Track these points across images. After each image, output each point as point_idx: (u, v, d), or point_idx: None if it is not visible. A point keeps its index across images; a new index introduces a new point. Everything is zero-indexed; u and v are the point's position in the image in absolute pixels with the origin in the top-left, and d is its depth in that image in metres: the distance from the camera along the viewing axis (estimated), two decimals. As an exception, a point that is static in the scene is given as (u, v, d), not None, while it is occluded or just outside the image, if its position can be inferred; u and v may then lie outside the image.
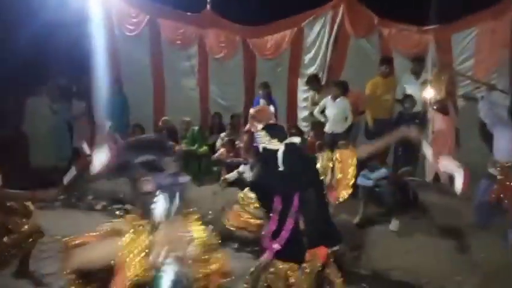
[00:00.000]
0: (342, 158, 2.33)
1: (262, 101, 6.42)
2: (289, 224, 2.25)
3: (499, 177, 3.92)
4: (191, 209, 1.76)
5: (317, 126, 6.27)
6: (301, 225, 2.29)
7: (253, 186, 2.53)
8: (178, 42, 7.94)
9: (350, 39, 6.74)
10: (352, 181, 2.32)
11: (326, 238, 2.38)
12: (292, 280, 2.30)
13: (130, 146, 1.87)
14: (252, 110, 2.67)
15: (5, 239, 3.23)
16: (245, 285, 2.41)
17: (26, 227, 3.41)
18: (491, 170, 4.01)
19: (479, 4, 5.83)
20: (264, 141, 2.36)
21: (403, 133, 2.62)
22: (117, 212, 5.54)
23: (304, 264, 2.31)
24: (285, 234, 2.25)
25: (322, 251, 2.36)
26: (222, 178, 5.90)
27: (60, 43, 6.54)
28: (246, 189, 2.61)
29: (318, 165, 2.35)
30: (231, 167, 6.01)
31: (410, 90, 5.77)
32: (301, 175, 2.30)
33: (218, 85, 8.07)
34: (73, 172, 4.49)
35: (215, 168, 6.50)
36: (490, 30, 5.72)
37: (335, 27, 6.74)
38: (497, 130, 4.11)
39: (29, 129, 6.74)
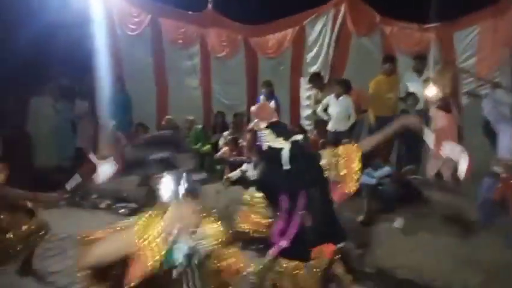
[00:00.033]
0: (346, 153, 2.33)
1: (262, 98, 6.44)
2: (295, 221, 2.25)
3: (502, 175, 3.92)
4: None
5: (320, 124, 6.29)
6: (307, 223, 2.28)
7: (260, 185, 2.53)
8: (180, 41, 7.95)
9: (352, 37, 6.74)
10: (358, 175, 2.31)
11: (332, 235, 2.38)
12: (298, 278, 2.30)
13: (145, 142, 1.86)
14: (253, 108, 2.65)
15: (10, 235, 3.24)
16: (251, 278, 2.39)
17: (31, 223, 3.42)
18: (495, 168, 4.02)
19: (480, 2, 5.83)
20: (269, 139, 2.35)
21: (404, 122, 2.61)
22: (121, 211, 5.60)
23: (310, 262, 2.31)
24: (292, 230, 2.25)
25: (328, 249, 2.36)
26: (225, 177, 5.90)
27: (62, 43, 6.54)
28: (252, 189, 2.59)
29: (323, 162, 2.34)
30: (234, 166, 6.02)
31: (413, 88, 5.78)
32: (307, 173, 2.29)
33: (220, 84, 8.08)
34: (77, 179, 4.53)
35: (218, 167, 6.51)
36: (492, 28, 5.72)
37: (337, 25, 6.75)
38: (501, 128, 4.12)
39: (32, 129, 6.76)
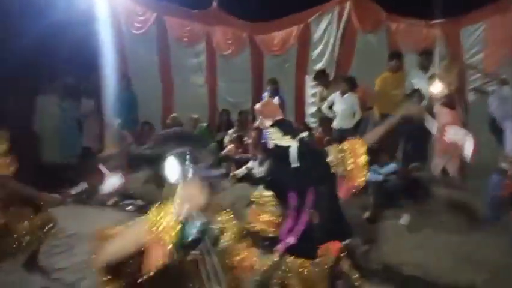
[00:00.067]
0: (352, 148, 2.31)
1: (266, 95, 6.44)
2: (303, 218, 2.25)
3: (510, 172, 3.90)
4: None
5: (325, 122, 6.28)
6: (315, 220, 2.27)
7: (268, 183, 2.52)
8: (185, 39, 7.97)
9: (357, 34, 6.72)
10: (365, 168, 2.29)
11: (338, 232, 2.37)
12: (305, 275, 2.30)
13: (165, 137, 1.87)
14: (257, 105, 2.64)
15: (17, 228, 3.26)
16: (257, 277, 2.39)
17: (38, 217, 3.44)
18: (502, 165, 3.99)
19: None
20: (276, 138, 2.34)
21: (405, 111, 2.59)
22: (128, 208, 5.63)
23: (317, 260, 2.30)
24: (300, 227, 2.25)
25: (334, 246, 2.35)
26: (231, 174, 5.91)
27: (68, 42, 6.56)
28: (260, 188, 2.58)
29: (329, 159, 2.33)
30: (240, 163, 6.03)
31: (418, 84, 5.75)
32: (315, 170, 2.29)
33: (226, 82, 8.10)
34: (83, 186, 4.58)
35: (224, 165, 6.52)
36: (499, 24, 5.69)
37: (342, 22, 6.73)
38: (508, 125, 4.10)
39: (38, 128, 6.80)
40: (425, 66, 5.78)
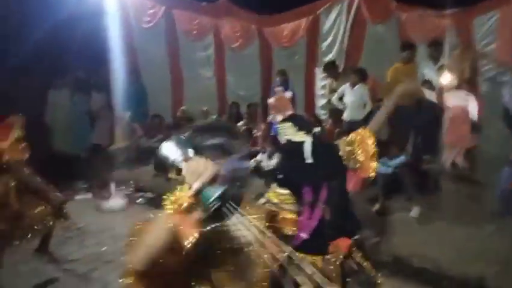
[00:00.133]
0: (360, 139, 2.29)
1: (278, 89, 6.42)
2: (316, 214, 2.24)
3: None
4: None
5: (335, 113, 6.24)
6: (327, 216, 2.26)
7: (281, 181, 2.49)
8: (194, 32, 7.97)
9: (367, 25, 6.65)
10: (375, 160, 2.27)
11: (348, 228, 2.36)
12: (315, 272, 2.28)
13: (198, 129, 1.88)
14: (271, 100, 2.62)
15: (32, 212, 3.34)
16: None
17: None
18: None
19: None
20: (289, 133, 2.31)
21: (402, 90, 2.55)
22: (138, 200, 5.69)
23: (327, 256, 2.29)
24: (312, 223, 2.23)
25: (344, 243, 2.34)
26: (240, 167, 5.91)
27: (77, 36, 6.60)
28: (274, 186, 2.52)
29: (341, 153, 2.31)
30: (249, 156, 6.04)
31: (429, 75, 5.67)
32: (329, 165, 2.26)
33: (234, 75, 8.09)
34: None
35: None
36: (511, 14, 5.57)
37: (352, 13, 6.66)
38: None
39: (50, 121, 6.88)
40: (435, 57, 5.70)
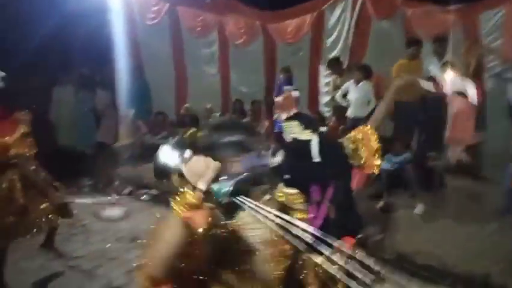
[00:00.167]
0: (362, 136, 2.28)
1: (289, 88, 6.38)
2: (322, 212, 2.23)
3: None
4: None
5: (339, 110, 6.21)
6: (331, 215, 2.25)
7: (289, 181, 2.47)
8: (198, 29, 7.96)
9: (372, 21, 6.61)
10: (379, 156, 2.25)
11: (351, 227, 2.35)
12: (321, 272, 2.28)
13: (216, 127, 1.89)
14: (279, 99, 2.60)
15: (37, 207, 3.36)
16: None
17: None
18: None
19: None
20: (296, 131, 2.31)
21: (398, 83, 2.53)
22: (143, 197, 5.71)
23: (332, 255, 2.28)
24: (318, 222, 2.23)
25: (349, 241, 2.33)
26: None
27: (82, 33, 6.61)
28: (280, 186, 2.49)
29: (346, 151, 2.30)
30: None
31: (433, 72, 5.63)
32: (335, 164, 2.26)
33: (238, 72, 8.08)
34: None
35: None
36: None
37: (357, 9, 6.63)
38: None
39: (54, 118, 6.91)
40: (439, 53, 5.65)
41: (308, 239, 1.71)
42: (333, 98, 6.52)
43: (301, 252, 2.29)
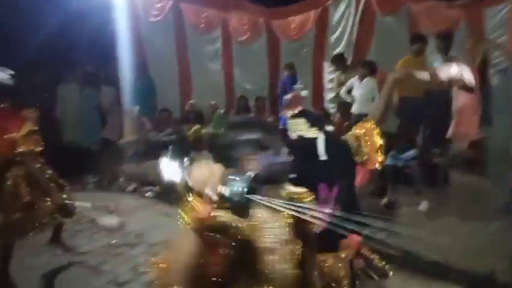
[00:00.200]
0: (364, 131, 2.28)
1: (299, 87, 6.34)
2: (328, 211, 2.22)
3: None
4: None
5: (343, 107, 6.20)
6: (337, 213, 2.24)
7: (295, 180, 2.45)
8: (202, 26, 7.95)
9: (376, 17, 6.58)
10: (382, 151, 2.25)
11: (356, 225, 2.34)
12: (327, 269, 2.28)
13: (233, 125, 1.89)
14: (288, 96, 2.58)
15: (44, 204, 3.39)
16: None
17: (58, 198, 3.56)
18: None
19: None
20: (302, 129, 2.30)
21: (395, 76, 2.52)
22: (147, 194, 5.73)
23: (338, 253, 2.28)
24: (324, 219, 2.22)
25: (355, 239, 2.32)
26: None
27: (85, 30, 6.63)
28: (288, 186, 2.48)
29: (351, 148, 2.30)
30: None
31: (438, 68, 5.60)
32: (343, 161, 2.25)
33: (242, 68, 8.08)
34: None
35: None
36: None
37: (361, 5, 6.60)
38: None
39: (60, 115, 6.94)
40: (443, 50, 5.61)
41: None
42: (337, 95, 6.51)
43: (312, 250, 2.31)
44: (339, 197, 2.21)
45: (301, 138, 2.25)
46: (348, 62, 6.56)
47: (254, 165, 1.69)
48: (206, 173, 1.45)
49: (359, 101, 5.79)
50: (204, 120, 7.12)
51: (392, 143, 4.54)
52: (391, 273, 2.27)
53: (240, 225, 1.50)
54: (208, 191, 1.40)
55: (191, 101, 7.35)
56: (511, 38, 5.63)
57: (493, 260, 3.42)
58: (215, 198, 1.40)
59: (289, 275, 1.66)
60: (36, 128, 3.34)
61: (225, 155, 1.67)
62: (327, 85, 7.22)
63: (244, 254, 1.54)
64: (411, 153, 4.75)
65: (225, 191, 1.42)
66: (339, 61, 6.45)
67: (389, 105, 4.99)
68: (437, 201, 4.40)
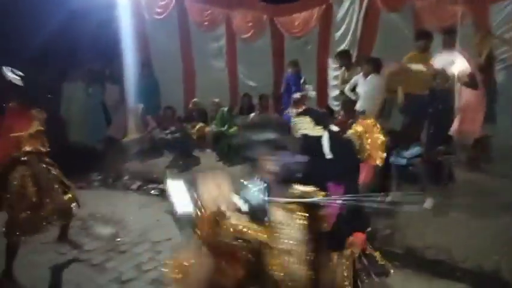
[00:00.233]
0: (367, 129, 2.27)
1: (309, 87, 6.33)
2: (334, 210, 2.22)
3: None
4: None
5: (348, 104, 6.16)
6: (343, 211, 2.24)
7: (301, 179, 2.43)
8: (206, 23, 7.95)
9: (381, 13, 6.54)
10: (383, 147, 2.24)
11: (359, 222, 2.34)
12: (332, 268, 2.27)
13: (250, 125, 1.89)
14: (297, 95, 2.58)
15: (49, 204, 3.42)
16: None
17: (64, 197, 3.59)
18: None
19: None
20: (307, 127, 2.29)
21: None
22: (151, 192, 5.75)
23: (343, 252, 2.27)
24: (331, 219, 2.21)
25: (359, 237, 2.31)
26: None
27: (90, 28, 6.64)
28: (296, 186, 2.47)
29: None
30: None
31: (442, 64, 5.55)
32: (348, 160, 2.24)
33: (246, 66, 8.06)
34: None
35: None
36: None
37: (365, 1, 6.56)
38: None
39: (65, 113, 6.97)
40: (449, 45, 5.57)
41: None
42: (342, 92, 6.48)
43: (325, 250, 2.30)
44: (346, 193, 2.21)
45: (305, 136, 2.24)
46: (353, 59, 6.53)
47: (271, 165, 1.69)
48: (214, 188, 1.45)
49: (364, 98, 5.75)
50: (207, 118, 7.13)
51: (397, 141, 4.52)
52: (392, 271, 2.26)
53: (258, 229, 1.50)
54: (225, 208, 1.40)
55: (194, 99, 7.35)
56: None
57: (498, 257, 3.41)
58: (230, 213, 1.40)
59: (305, 276, 1.66)
60: (43, 128, 3.37)
61: (242, 156, 1.68)
62: (332, 82, 7.19)
63: (263, 258, 1.53)
64: (416, 150, 4.72)
65: (242, 200, 1.42)
66: (343, 57, 6.41)
67: (389, 99, 4.95)
68: (441, 198, 4.38)
